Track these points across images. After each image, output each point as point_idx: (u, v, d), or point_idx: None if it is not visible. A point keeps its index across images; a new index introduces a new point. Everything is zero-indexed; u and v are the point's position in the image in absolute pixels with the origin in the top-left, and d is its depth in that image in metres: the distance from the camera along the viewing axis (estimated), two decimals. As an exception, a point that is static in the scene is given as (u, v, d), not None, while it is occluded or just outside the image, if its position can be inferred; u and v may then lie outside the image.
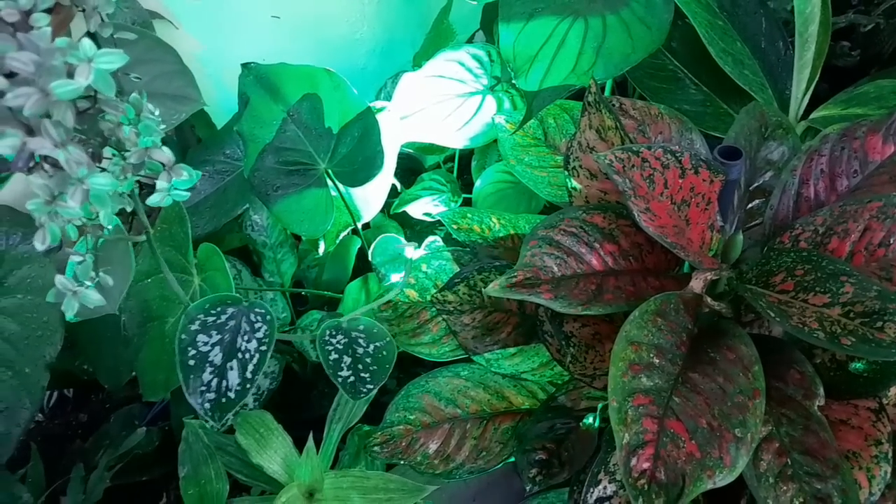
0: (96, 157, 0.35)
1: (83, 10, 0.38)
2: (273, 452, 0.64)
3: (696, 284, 0.54)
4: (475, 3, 0.91)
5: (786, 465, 0.48)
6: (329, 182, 0.81)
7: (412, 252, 0.85)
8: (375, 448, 0.63)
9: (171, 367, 0.77)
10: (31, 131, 0.28)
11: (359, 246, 0.98)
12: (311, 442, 0.62)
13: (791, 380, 0.52)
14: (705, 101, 0.89)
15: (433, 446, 0.62)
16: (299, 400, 0.91)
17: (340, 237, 0.93)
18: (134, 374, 0.82)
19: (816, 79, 0.81)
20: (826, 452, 0.48)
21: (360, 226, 0.89)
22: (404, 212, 1.06)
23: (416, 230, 1.12)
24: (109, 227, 0.35)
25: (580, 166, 0.61)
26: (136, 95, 0.34)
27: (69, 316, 0.34)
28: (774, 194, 0.61)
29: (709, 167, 0.53)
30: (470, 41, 1.17)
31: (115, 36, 0.40)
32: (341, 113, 0.81)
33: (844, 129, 0.61)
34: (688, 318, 0.52)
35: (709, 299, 0.54)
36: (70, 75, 0.27)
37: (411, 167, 1.20)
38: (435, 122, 0.89)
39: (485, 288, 0.63)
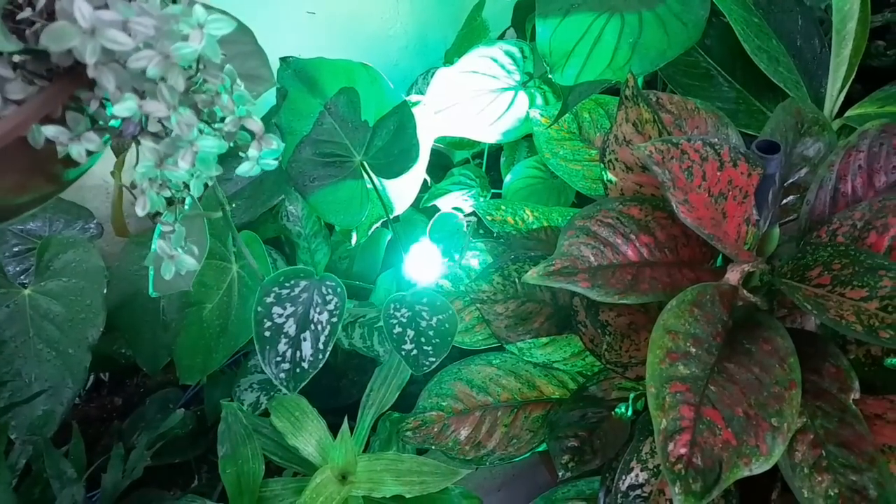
0: None
1: None
2: (308, 435, 0.65)
3: (733, 276, 0.54)
4: (509, -1, 0.92)
5: (821, 457, 0.48)
6: (364, 174, 0.83)
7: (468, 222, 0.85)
8: (408, 433, 0.64)
9: (208, 352, 0.79)
10: (143, 97, 0.30)
11: (389, 238, 0.99)
12: (345, 425, 0.63)
13: (826, 373, 0.52)
14: (738, 99, 0.89)
15: (464, 433, 0.63)
16: (329, 388, 0.92)
17: (373, 228, 0.94)
18: (170, 358, 0.84)
19: (853, 77, 0.81)
20: (861, 445, 0.48)
21: (391, 218, 0.90)
22: (433, 206, 1.07)
23: (443, 225, 1.13)
24: (197, 196, 0.37)
25: (616, 159, 0.61)
26: (231, 67, 0.35)
27: (167, 276, 0.36)
28: (811, 189, 0.61)
29: (747, 160, 0.54)
30: (501, 39, 1.17)
31: None
32: (377, 106, 0.82)
33: (884, 125, 0.61)
34: (723, 310, 0.53)
35: (744, 291, 0.55)
36: (184, 40, 0.29)
37: (440, 162, 1.21)
38: (468, 117, 0.90)
39: (519, 277, 0.64)
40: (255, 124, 0.35)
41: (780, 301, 0.61)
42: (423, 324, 0.55)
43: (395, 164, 0.81)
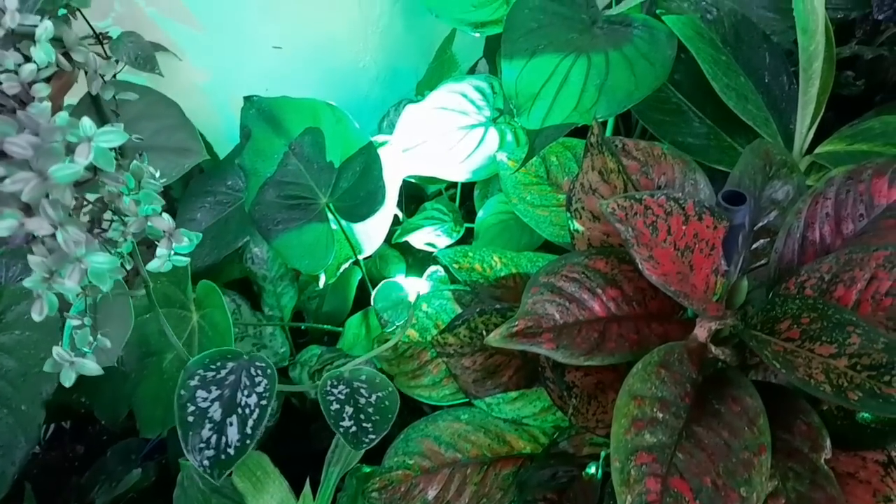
0: (96, 222, 0.35)
1: (85, 73, 0.38)
2: (269, 497, 0.63)
3: (701, 333, 0.53)
4: (478, 35, 0.91)
5: (793, 523, 0.47)
6: (330, 216, 0.81)
7: (416, 291, 0.84)
8: (373, 494, 0.61)
9: (169, 404, 0.76)
10: (28, 209, 0.28)
11: (360, 277, 0.97)
12: (307, 488, 0.61)
13: (797, 431, 0.51)
14: (709, 135, 0.89)
15: (432, 492, 0.61)
16: (299, 434, 0.89)
17: (341, 269, 0.92)
18: (130, 409, 0.81)
19: (821, 114, 0.80)
20: (834, 509, 0.47)
21: (361, 258, 0.88)
22: (406, 241, 1.05)
23: (417, 257, 1.12)
24: (106, 291, 0.35)
25: (583, 208, 0.60)
26: (138, 163, 0.34)
27: (67, 383, 0.34)
28: (779, 237, 0.60)
29: (712, 214, 0.53)
30: (473, 69, 1.17)
31: (116, 97, 0.39)
32: (343, 147, 0.81)
33: (850, 171, 0.60)
34: (692, 368, 0.51)
35: (713, 347, 0.53)
36: (70, 151, 0.27)
37: (413, 194, 1.19)
38: (437, 155, 0.89)
39: (486, 330, 0.62)
40: (164, 223, 0.33)
41: (752, 350, 0.60)
42: (363, 401, 0.53)
43: (362, 207, 0.80)
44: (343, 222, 0.82)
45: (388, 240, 1.04)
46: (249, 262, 0.90)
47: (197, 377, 0.48)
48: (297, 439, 0.91)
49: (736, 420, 0.48)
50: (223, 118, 1.03)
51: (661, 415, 0.46)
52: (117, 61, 0.40)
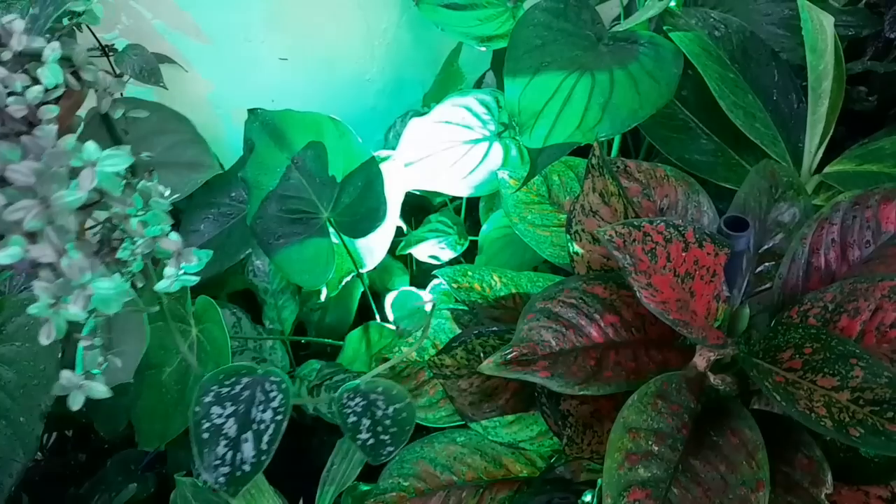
0: (105, 242, 0.35)
1: (95, 91, 0.38)
2: (264, 516, 0.62)
3: (700, 362, 0.52)
4: (484, 49, 0.90)
5: (791, 561, 0.46)
6: (331, 230, 0.80)
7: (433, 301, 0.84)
8: (368, 515, 0.61)
9: (168, 417, 0.76)
10: (33, 236, 0.27)
11: (362, 290, 0.97)
12: (302, 507, 0.60)
13: (798, 464, 0.50)
14: (716, 152, 0.87)
15: (427, 515, 0.61)
16: (299, 449, 0.89)
17: (343, 282, 0.92)
18: (129, 421, 0.81)
19: (830, 133, 0.79)
20: (834, 547, 0.46)
21: (363, 272, 0.88)
22: (410, 253, 1.05)
23: (422, 269, 1.11)
24: (111, 314, 0.34)
25: (582, 230, 0.59)
26: (146, 183, 0.33)
27: (74, 407, 0.34)
28: (784, 262, 0.59)
29: (713, 240, 0.52)
30: (480, 81, 1.16)
31: (126, 116, 0.39)
32: (346, 161, 0.81)
33: (856, 196, 0.59)
34: (691, 398, 0.50)
35: (712, 377, 0.52)
36: (75, 176, 0.27)
37: (419, 205, 1.19)
38: (440, 170, 0.88)
39: (483, 352, 0.61)
40: (172, 244, 0.32)
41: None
42: (379, 413, 0.52)
43: (363, 223, 0.79)
44: (344, 237, 0.82)
45: (391, 251, 1.04)
46: (251, 275, 0.90)
47: (212, 393, 0.48)
48: (296, 455, 0.91)
49: (734, 453, 0.47)
50: (228, 129, 1.03)
51: (656, 448, 0.46)
52: (121, 75, 0.40)
